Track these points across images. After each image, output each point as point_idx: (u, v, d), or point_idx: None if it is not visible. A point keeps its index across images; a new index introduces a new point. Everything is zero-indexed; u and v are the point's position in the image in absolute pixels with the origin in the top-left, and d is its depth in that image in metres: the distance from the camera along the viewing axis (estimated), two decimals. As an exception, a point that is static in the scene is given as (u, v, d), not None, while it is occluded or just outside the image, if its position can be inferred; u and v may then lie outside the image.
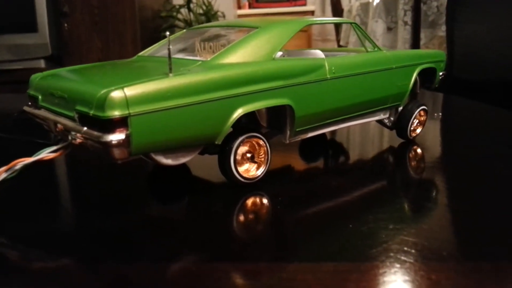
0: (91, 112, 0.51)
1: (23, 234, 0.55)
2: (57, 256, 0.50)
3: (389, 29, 2.72)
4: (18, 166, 0.56)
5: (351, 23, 0.79)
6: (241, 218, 0.58)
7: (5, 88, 2.18)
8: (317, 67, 0.68)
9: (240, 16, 3.86)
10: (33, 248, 0.51)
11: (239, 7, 4.37)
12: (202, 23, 2.51)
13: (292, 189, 0.67)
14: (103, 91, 0.50)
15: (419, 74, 0.88)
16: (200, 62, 0.61)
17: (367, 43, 0.81)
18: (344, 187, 0.67)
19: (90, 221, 0.59)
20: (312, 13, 4.41)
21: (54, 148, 0.58)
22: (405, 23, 2.60)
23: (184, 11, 2.56)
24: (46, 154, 0.57)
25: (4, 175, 0.55)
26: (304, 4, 4.47)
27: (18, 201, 0.65)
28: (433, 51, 0.92)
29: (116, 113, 0.50)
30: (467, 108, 1.36)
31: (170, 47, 0.56)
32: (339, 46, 3.11)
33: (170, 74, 0.55)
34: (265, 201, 0.62)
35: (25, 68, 2.16)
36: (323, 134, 0.76)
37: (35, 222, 0.59)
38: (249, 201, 0.62)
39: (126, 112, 0.50)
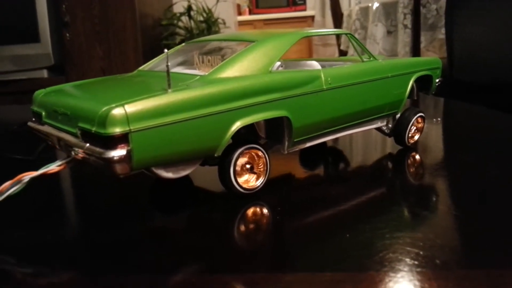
0: (93, 129, 0.53)
1: (24, 246, 0.57)
2: (58, 268, 0.51)
3: (389, 32, 2.73)
4: (24, 180, 0.57)
5: (346, 33, 0.81)
6: (241, 228, 0.60)
7: (9, 98, 2.21)
8: (313, 78, 0.70)
9: (240, 22, 3.88)
10: (34, 260, 0.53)
11: (239, 13, 4.40)
12: (203, 30, 2.53)
13: (291, 199, 0.68)
14: (104, 109, 0.52)
15: (416, 81, 0.89)
16: (198, 77, 0.63)
17: (362, 53, 0.82)
18: (342, 196, 0.69)
19: (91, 233, 0.61)
20: (312, 18, 4.43)
21: (58, 162, 0.59)
22: (405, 26, 2.61)
23: (184, 18, 2.57)
24: (50, 168, 0.59)
25: (10, 189, 0.57)
26: (304, 9, 4.50)
27: (19, 212, 0.67)
28: (429, 58, 0.94)
29: (117, 129, 0.51)
30: (468, 113, 1.37)
31: (169, 63, 0.57)
32: (340, 50, 3.13)
33: (169, 90, 0.56)
34: (264, 211, 0.64)
35: (28, 79, 2.18)
36: (323, 142, 0.77)
37: (36, 233, 0.60)
38: (249, 212, 0.63)
39: (127, 128, 0.52)
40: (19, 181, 0.57)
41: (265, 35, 0.72)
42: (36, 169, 0.58)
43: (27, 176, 0.57)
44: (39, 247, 0.56)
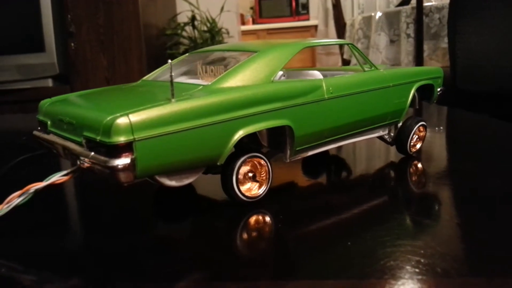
0: (98, 138, 0.53)
1: (29, 255, 0.57)
2: (64, 275, 0.52)
3: (392, 41, 2.74)
4: (30, 191, 0.58)
5: (347, 44, 0.82)
6: (243, 236, 0.60)
7: (14, 107, 2.23)
8: (314, 88, 0.70)
9: (243, 31, 3.90)
10: (39, 269, 0.53)
11: (243, 23, 4.43)
12: (207, 40, 2.55)
13: (293, 207, 0.69)
14: (109, 118, 0.53)
15: (418, 90, 0.90)
16: (201, 87, 0.64)
17: (364, 62, 0.83)
18: (344, 204, 0.69)
19: (95, 241, 0.61)
20: (315, 27, 4.46)
21: (64, 172, 0.60)
22: (408, 35, 2.62)
23: (188, 28, 2.60)
24: (57, 178, 0.60)
25: (17, 200, 0.58)
26: (307, 19, 4.53)
27: (25, 221, 0.67)
28: (430, 68, 0.94)
29: (122, 138, 0.52)
30: (471, 121, 1.37)
31: (173, 73, 0.58)
32: (343, 59, 3.15)
33: (173, 100, 0.57)
34: (266, 219, 0.64)
35: (33, 88, 2.21)
36: (326, 150, 0.78)
37: (42, 241, 0.61)
38: (251, 220, 0.64)
39: (131, 137, 0.53)
40: (26, 192, 0.58)
41: (267, 46, 0.73)
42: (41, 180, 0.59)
43: (33, 187, 0.57)
44: (46, 255, 0.57)
